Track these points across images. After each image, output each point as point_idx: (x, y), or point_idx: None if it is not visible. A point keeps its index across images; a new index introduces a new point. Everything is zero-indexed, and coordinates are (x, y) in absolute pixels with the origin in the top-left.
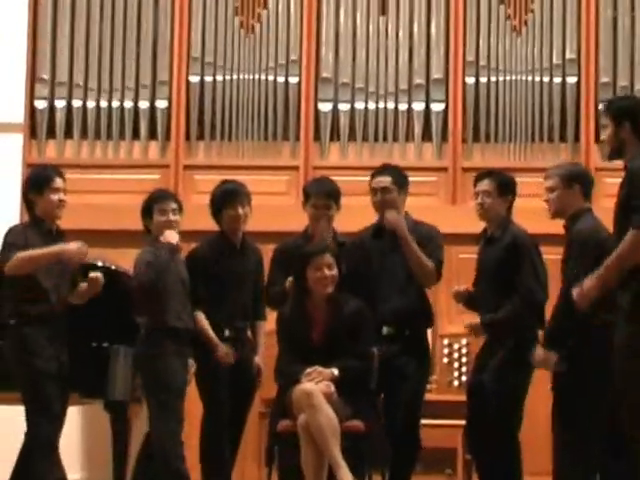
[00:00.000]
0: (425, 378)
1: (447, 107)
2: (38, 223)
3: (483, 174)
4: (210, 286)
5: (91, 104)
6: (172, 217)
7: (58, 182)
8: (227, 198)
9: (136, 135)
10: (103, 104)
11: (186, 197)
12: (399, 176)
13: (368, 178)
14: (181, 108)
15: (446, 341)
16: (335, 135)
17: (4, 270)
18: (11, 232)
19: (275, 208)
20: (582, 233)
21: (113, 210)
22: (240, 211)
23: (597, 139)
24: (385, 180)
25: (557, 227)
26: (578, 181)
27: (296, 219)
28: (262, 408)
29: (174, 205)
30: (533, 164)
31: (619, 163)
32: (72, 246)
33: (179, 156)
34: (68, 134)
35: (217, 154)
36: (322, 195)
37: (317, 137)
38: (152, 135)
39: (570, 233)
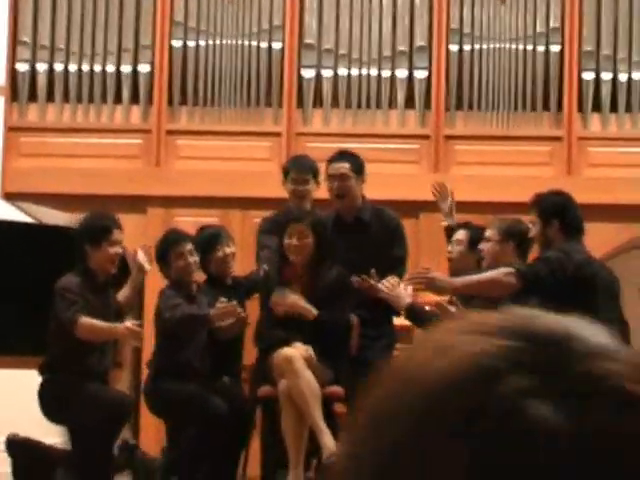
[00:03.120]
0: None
1: (430, 75)
2: (90, 276)
3: (460, 225)
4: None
5: (73, 67)
6: (190, 259)
7: (116, 234)
8: (210, 243)
9: (118, 99)
10: (85, 68)
11: (168, 162)
12: (356, 162)
13: (352, 145)
14: (164, 73)
15: None
16: (318, 102)
17: (73, 333)
18: (67, 289)
19: (257, 174)
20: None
21: (95, 174)
22: (227, 250)
23: (580, 108)
24: (343, 166)
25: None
26: (514, 239)
27: (278, 185)
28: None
29: (189, 246)
30: (516, 132)
31: (603, 132)
32: (127, 327)
33: (161, 121)
34: (50, 97)
35: (199, 119)
36: (301, 169)
37: (300, 103)
38: (134, 99)
39: None
